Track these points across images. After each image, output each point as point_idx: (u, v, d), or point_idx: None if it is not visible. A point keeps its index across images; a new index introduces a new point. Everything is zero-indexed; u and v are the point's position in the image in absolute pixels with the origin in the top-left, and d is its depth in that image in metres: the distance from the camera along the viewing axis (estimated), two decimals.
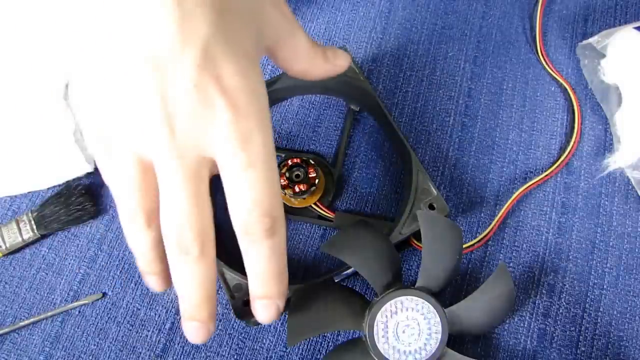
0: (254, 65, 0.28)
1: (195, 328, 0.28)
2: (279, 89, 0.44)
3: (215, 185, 0.44)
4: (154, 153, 0.27)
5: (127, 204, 0.29)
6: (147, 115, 0.26)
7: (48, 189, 0.44)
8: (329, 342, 0.39)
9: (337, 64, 0.36)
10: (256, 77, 0.28)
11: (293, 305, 0.34)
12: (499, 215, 0.41)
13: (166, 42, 0.25)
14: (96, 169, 0.43)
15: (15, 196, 0.44)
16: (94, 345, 0.39)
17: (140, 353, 0.39)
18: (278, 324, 0.39)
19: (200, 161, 0.27)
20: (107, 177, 0.29)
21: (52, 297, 0.41)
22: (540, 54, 0.46)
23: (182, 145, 0.26)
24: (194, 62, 0.26)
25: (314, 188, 0.41)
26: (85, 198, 0.42)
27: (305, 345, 0.39)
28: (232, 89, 0.26)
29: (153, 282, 0.30)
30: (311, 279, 0.37)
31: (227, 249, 0.41)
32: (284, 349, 0.39)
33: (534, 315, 0.39)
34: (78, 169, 0.42)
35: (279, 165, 0.42)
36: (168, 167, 0.27)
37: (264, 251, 0.28)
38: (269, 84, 0.43)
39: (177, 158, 0.26)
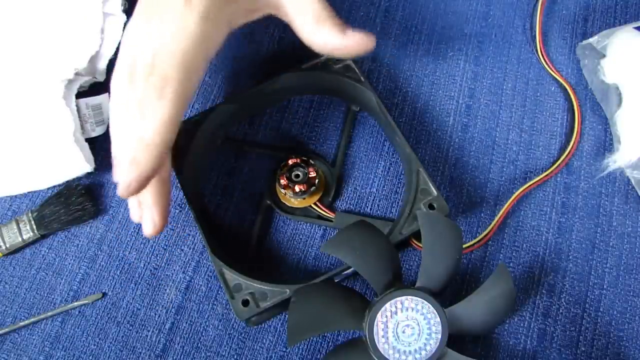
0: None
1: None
2: (279, 89, 0.44)
3: (216, 187, 0.44)
4: None
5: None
6: None
7: (48, 189, 0.44)
8: (329, 342, 0.39)
9: (354, 39, 0.35)
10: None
11: (293, 305, 0.34)
12: (499, 215, 0.41)
13: None
14: (96, 169, 0.43)
15: (15, 196, 0.44)
16: (94, 345, 0.39)
17: (140, 353, 0.39)
18: (278, 324, 0.39)
19: None
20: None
21: (52, 297, 0.41)
22: (540, 54, 0.46)
23: None
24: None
25: (314, 188, 0.41)
26: (85, 198, 0.42)
27: (305, 345, 0.39)
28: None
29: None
30: (311, 279, 0.37)
31: (227, 249, 0.41)
32: (284, 349, 0.39)
33: (534, 315, 0.39)
34: (78, 169, 0.42)
35: (279, 166, 0.42)
36: None
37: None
38: (269, 84, 0.43)
39: None
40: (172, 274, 0.41)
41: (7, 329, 0.40)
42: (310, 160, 0.41)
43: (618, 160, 0.42)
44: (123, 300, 0.41)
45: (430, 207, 0.38)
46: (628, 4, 0.48)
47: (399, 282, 0.35)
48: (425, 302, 0.34)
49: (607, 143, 0.44)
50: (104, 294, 0.41)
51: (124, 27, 0.48)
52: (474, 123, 0.45)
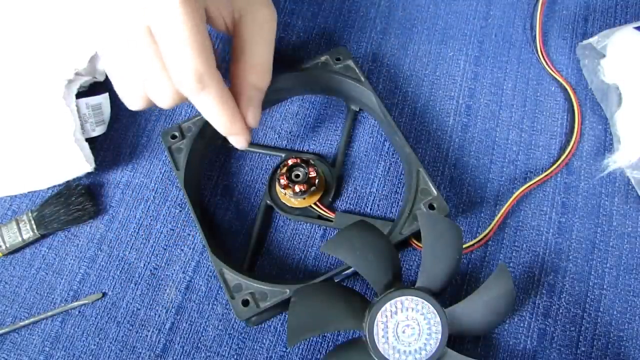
0: None
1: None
2: (279, 89, 0.44)
3: (216, 187, 0.44)
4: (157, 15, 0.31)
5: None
6: None
7: (48, 189, 0.44)
8: (329, 342, 0.39)
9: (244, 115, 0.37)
10: None
11: (293, 305, 0.34)
12: (499, 215, 0.41)
13: None
14: (96, 169, 0.43)
15: (15, 196, 0.44)
16: (94, 345, 0.39)
17: (140, 353, 0.39)
18: (278, 324, 0.39)
19: None
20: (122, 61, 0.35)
21: (52, 297, 0.41)
22: (540, 54, 0.46)
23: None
24: None
25: (314, 188, 0.41)
26: (85, 198, 0.42)
27: (305, 345, 0.39)
28: None
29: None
30: (311, 279, 0.37)
31: (227, 249, 0.41)
32: (284, 349, 0.39)
33: (534, 315, 0.39)
34: (78, 169, 0.42)
35: (279, 166, 0.42)
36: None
37: (204, 102, 0.34)
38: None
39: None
40: (172, 274, 0.41)
41: (7, 329, 0.40)
42: (310, 160, 0.41)
43: (618, 160, 0.42)
44: (123, 300, 0.41)
45: (430, 207, 0.38)
46: (628, 4, 0.48)
47: (399, 282, 0.35)
48: (425, 302, 0.34)
49: (607, 143, 0.44)
50: (104, 294, 0.41)
51: None
52: (474, 123, 0.45)
